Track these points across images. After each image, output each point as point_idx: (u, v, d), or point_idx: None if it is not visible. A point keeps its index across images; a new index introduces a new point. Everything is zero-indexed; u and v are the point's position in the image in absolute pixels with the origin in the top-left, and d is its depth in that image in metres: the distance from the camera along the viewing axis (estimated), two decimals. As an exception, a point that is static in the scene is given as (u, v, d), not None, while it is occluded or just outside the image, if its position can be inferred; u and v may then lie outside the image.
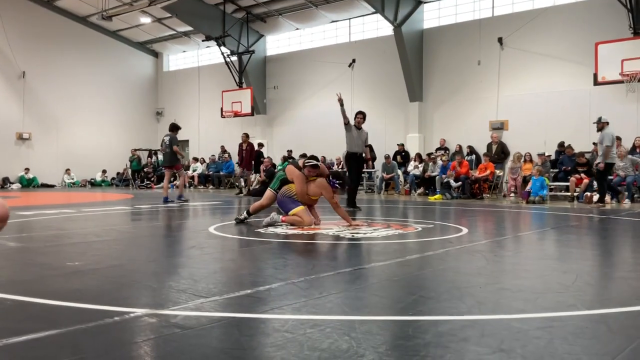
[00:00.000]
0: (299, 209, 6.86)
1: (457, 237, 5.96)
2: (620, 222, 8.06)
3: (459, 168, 14.46)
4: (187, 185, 21.37)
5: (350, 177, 9.98)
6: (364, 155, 10.16)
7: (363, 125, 10.17)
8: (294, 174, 7.09)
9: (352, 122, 9.96)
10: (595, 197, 11.90)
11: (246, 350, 2.16)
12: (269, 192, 7.31)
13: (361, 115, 10.10)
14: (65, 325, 2.45)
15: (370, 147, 10.91)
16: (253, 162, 16.15)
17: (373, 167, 16.94)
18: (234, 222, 7.34)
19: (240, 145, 15.46)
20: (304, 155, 15.62)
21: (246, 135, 15.24)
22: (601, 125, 11.08)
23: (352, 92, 19.59)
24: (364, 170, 12.66)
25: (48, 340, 2.27)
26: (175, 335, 2.35)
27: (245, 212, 7.40)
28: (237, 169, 16.42)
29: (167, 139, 12.13)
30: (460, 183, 14.28)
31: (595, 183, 12.42)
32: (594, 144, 13.66)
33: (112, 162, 24.40)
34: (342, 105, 9.67)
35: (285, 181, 7.24)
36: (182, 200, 11.97)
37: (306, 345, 2.17)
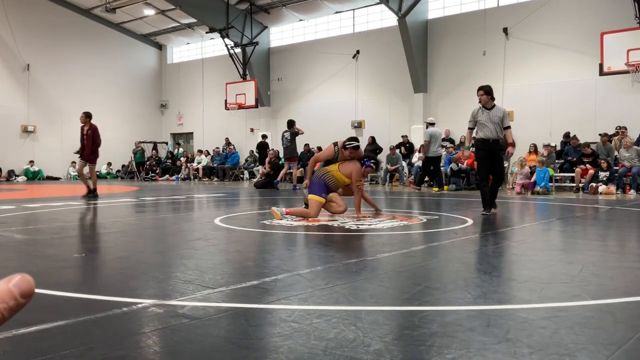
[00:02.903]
0: (317, 199, 6.77)
1: (462, 228, 5.96)
2: (625, 213, 8.04)
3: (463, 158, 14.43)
4: (192, 177, 21.45)
5: (479, 169, 7.83)
6: (499, 141, 7.57)
7: (496, 103, 7.84)
8: (353, 167, 7.00)
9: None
10: (601, 187, 12.04)
11: (253, 340, 2.17)
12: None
13: (482, 91, 7.54)
14: (74, 316, 2.47)
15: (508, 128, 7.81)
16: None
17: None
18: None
19: (82, 128, 11.14)
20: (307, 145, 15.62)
21: (86, 115, 10.98)
22: (426, 125, 13.35)
23: (356, 83, 19.55)
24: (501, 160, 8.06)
25: (56, 331, 2.28)
26: (183, 325, 2.37)
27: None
28: (79, 163, 11.24)
29: (287, 134, 13.59)
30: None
31: (600, 174, 12.50)
32: (600, 135, 13.65)
33: (117, 154, 24.44)
34: None
35: (327, 162, 7.21)
36: (296, 189, 13.11)
37: (313, 335, 2.18)
